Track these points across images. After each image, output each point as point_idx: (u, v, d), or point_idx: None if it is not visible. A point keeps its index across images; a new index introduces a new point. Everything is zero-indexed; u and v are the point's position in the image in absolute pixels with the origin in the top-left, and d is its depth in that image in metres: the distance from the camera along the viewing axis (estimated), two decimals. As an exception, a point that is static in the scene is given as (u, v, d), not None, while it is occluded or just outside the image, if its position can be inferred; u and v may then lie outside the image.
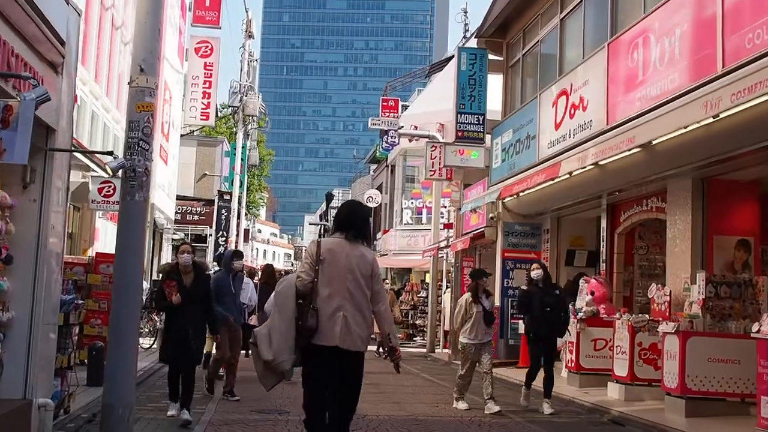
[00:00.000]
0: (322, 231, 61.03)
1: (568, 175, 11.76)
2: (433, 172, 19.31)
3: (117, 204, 13.46)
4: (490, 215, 17.17)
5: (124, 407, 6.61)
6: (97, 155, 12.32)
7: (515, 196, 14.51)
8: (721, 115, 7.92)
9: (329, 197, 58.80)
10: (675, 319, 9.93)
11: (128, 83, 7.29)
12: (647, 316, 11.32)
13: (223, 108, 44.30)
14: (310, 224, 74.91)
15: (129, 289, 7.05)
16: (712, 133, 8.86)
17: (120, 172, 7.31)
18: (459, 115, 17.35)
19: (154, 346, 16.39)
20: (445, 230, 22.24)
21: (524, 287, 11.15)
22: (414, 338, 24.30)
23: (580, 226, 16.47)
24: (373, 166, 43.93)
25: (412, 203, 27.93)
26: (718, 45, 8.73)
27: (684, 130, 8.73)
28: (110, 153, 8.19)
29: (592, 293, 12.93)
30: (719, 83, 8.13)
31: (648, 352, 10.99)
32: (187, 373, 8.35)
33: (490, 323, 10.47)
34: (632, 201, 13.07)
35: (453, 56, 34.56)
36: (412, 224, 27.79)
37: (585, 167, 11.06)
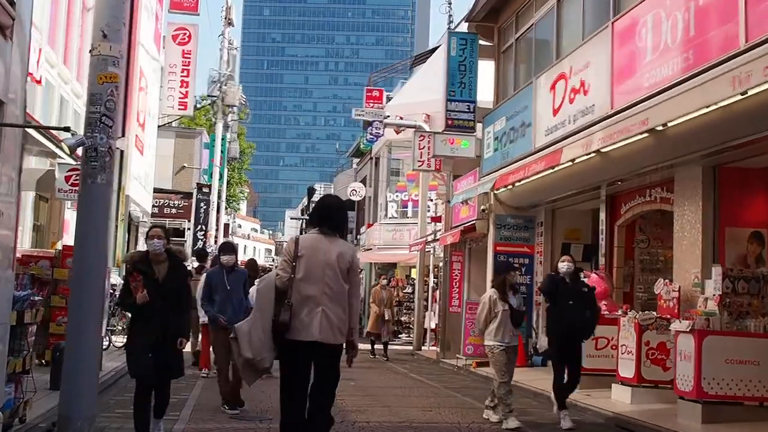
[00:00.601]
0: (303, 226, 60.27)
1: (570, 163, 11.02)
2: (421, 163, 18.54)
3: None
4: (482, 207, 16.42)
5: (84, 420, 5.81)
6: (55, 133, 11.05)
7: (511, 186, 13.76)
8: (750, 92, 7.18)
9: (311, 192, 58.04)
10: (689, 316, 9.21)
11: (89, 51, 6.45)
12: (654, 313, 10.60)
13: (203, 99, 43.39)
14: (291, 219, 74.03)
15: (90, 284, 6.24)
16: (730, 114, 8.14)
17: (80, 152, 6.48)
18: (449, 103, 16.59)
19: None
20: (433, 224, 21.51)
21: (552, 273, 9.85)
22: (399, 335, 23.53)
23: (576, 218, 15.77)
24: (356, 161, 43.13)
25: (397, 196, 27.12)
26: (740, 16, 8.00)
27: (706, 110, 7.99)
28: (67, 129, 7.24)
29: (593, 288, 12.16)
30: (748, 56, 7.41)
31: (656, 351, 10.29)
32: (161, 388, 6.78)
33: (519, 323, 9.36)
34: (634, 191, 12.36)
35: (438, 47, 33.85)
36: (397, 218, 27.00)
37: (589, 154, 10.32)
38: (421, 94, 25.27)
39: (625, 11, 10.81)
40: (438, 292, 20.01)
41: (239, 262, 10.20)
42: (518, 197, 15.50)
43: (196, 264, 18.01)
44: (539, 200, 15.44)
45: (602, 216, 13.30)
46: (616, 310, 11.95)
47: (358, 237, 34.46)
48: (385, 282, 17.65)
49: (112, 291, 15.97)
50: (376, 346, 17.44)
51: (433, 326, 20.18)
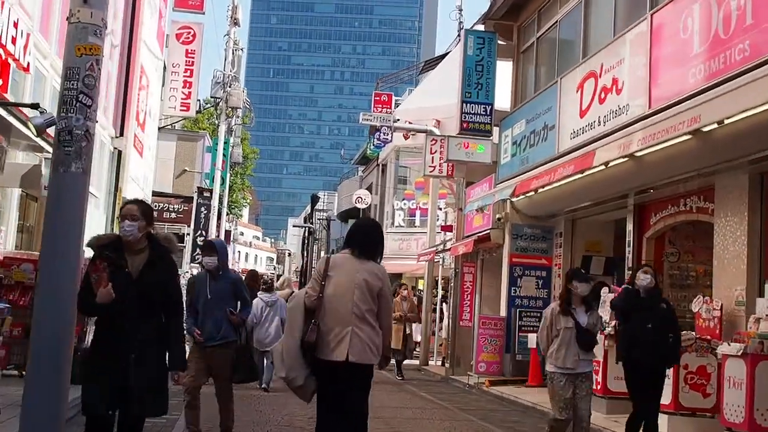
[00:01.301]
0: (306, 234, 59.35)
1: (602, 167, 10.06)
2: (432, 168, 17.60)
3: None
4: (497, 216, 15.51)
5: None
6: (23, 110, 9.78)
7: (533, 192, 12.81)
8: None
9: (314, 199, 57.01)
10: (738, 338, 8.24)
11: (66, 18, 5.50)
12: (693, 333, 9.64)
13: (206, 103, 42.57)
14: (294, 226, 73.07)
15: (60, 290, 5.22)
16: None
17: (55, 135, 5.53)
18: (464, 105, 15.69)
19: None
20: (443, 233, 20.57)
21: (629, 286, 8.25)
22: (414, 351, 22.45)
23: (597, 229, 14.85)
24: (361, 168, 42.22)
25: (404, 204, 26.18)
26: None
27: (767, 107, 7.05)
28: (35, 106, 6.23)
29: (622, 305, 11.20)
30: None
31: (695, 376, 9.30)
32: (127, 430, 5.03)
33: (589, 346, 7.37)
34: (666, 201, 11.42)
35: (448, 53, 33.00)
36: (404, 227, 26.05)
37: (626, 156, 9.37)
38: (432, 99, 24.39)
39: (666, 1, 9.89)
40: (446, 304, 19.05)
41: (239, 271, 9.17)
42: (537, 206, 14.58)
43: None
44: (559, 209, 14.52)
45: (629, 227, 12.35)
46: (647, 328, 10.99)
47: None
48: (405, 292, 16.23)
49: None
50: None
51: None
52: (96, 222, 18.96)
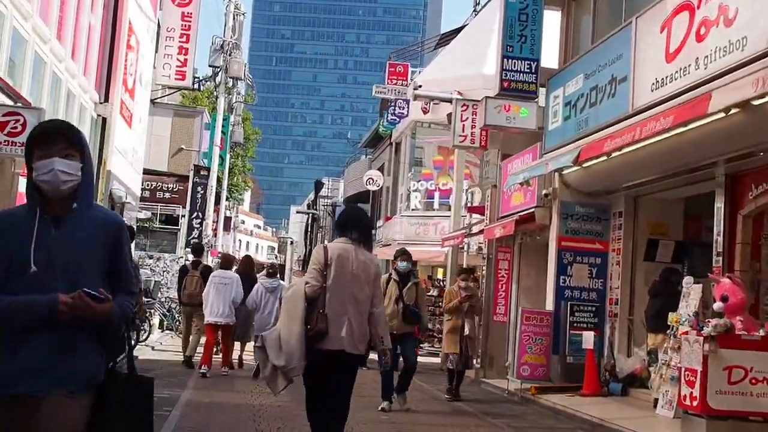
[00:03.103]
0: (309, 221, 57.01)
1: (721, 114, 7.62)
2: (463, 138, 15.18)
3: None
4: (543, 192, 13.10)
5: None
6: None
7: (604, 157, 10.36)
8: None
9: (318, 185, 54.74)
10: None
11: None
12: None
13: (206, 80, 40.10)
14: (297, 212, 70.78)
15: None
16: None
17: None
18: (505, 61, 13.30)
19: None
20: (468, 215, 18.19)
21: None
22: (421, 345, 20.08)
23: (664, 208, 12.51)
24: (369, 152, 39.75)
25: (421, 185, 23.72)
26: None
27: None
28: None
29: (725, 299, 8.78)
30: None
31: None
32: None
33: None
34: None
35: (465, 25, 30.56)
36: (421, 210, 23.61)
37: (764, 96, 6.92)
38: (453, 69, 22.01)
39: None
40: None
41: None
42: (594, 179, 12.18)
43: (191, 258, 16.08)
44: (619, 183, 12.13)
45: (718, 203, 9.93)
46: (756, 329, 8.61)
47: (374, 232, 31.12)
48: (463, 283, 11.39)
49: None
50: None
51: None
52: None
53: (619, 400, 11.35)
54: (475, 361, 13.10)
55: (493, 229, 14.32)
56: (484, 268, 15.33)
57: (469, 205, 18.01)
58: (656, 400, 10.10)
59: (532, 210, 13.31)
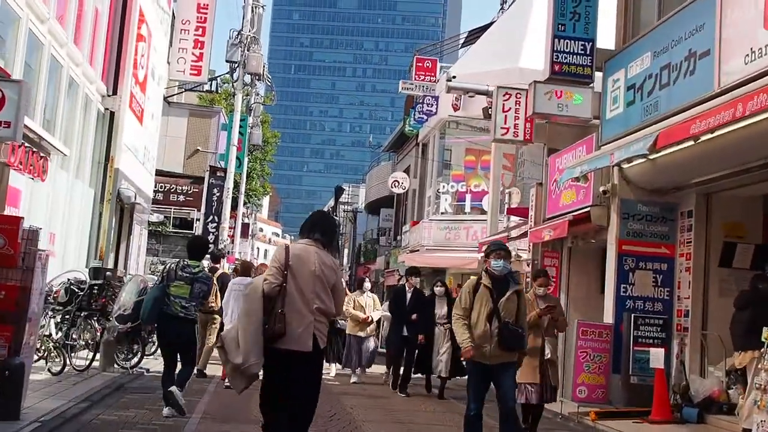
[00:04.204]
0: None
1: None
2: (505, 131, 13.66)
3: (8, 127, 7.88)
4: (601, 189, 11.56)
5: None
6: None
7: (684, 144, 8.80)
8: None
9: (339, 191, 53.34)
10: None
11: None
12: None
13: (224, 83, 38.89)
14: (317, 219, 69.32)
15: None
16: None
17: None
18: (556, 41, 11.84)
19: (95, 364, 11.05)
20: (506, 218, 16.66)
21: None
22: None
23: (741, 206, 10.98)
24: (390, 157, 38.29)
25: (452, 187, 22.18)
26: None
27: None
28: None
29: None
30: None
31: None
32: None
33: None
34: None
35: (493, 22, 29.08)
36: (451, 213, 22.07)
37: None
38: (485, 64, 20.57)
39: None
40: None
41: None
42: (661, 173, 10.66)
43: (206, 264, 14.61)
44: (690, 178, 10.60)
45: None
46: None
47: (399, 237, 29.57)
48: (541, 290, 8.48)
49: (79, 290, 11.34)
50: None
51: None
52: (80, 196, 15.18)
53: (696, 428, 9.78)
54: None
55: (540, 232, 12.78)
56: (528, 275, 13.75)
57: (509, 206, 16.46)
58: (746, 431, 8.52)
59: (587, 209, 11.76)
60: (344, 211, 48.84)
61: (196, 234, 20.64)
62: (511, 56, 20.50)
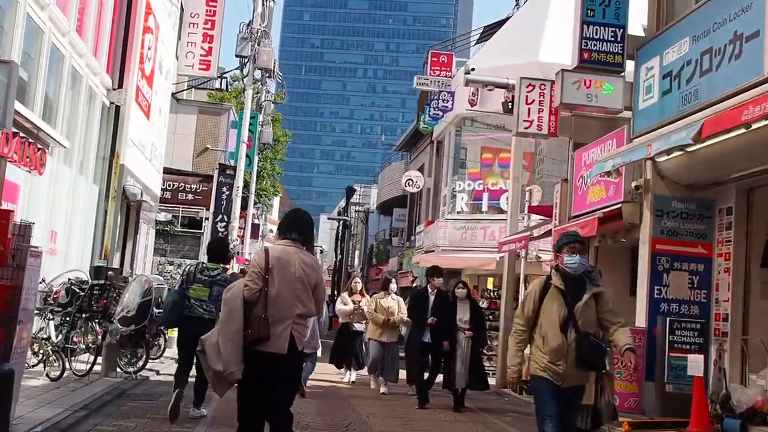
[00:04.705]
0: (341, 228, 54.99)
1: None
2: (528, 124, 12.96)
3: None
4: (633, 184, 10.88)
5: None
6: None
7: (732, 133, 8.11)
8: None
9: (350, 191, 52.75)
10: None
11: None
12: None
13: (234, 80, 38.31)
14: (328, 219, 68.82)
15: None
16: None
17: None
18: (585, 27, 11.16)
19: (97, 368, 10.46)
20: (526, 216, 15.99)
21: None
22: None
23: (783, 203, 10.23)
24: (403, 156, 37.63)
25: (468, 185, 21.48)
26: None
27: None
28: None
29: None
30: None
31: None
32: None
33: None
34: None
35: (509, 18, 28.34)
36: (467, 212, 21.38)
37: None
38: (503, 58, 19.90)
39: None
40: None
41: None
42: (699, 166, 9.98)
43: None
44: (730, 172, 9.92)
45: None
46: None
47: (412, 238, 28.90)
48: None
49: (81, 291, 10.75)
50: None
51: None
52: (83, 193, 14.59)
53: (738, 440, 9.07)
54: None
55: (565, 230, 12.06)
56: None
57: (530, 203, 15.77)
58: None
59: (618, 206, 11.08)
60: (356, 211, 48.19)
61: (218, 236, 19.95)
62: (530, 50, 19.82)
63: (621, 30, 11.18)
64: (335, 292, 41.35)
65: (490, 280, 20.41)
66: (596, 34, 11.11)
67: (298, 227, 5.59)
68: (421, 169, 27.18)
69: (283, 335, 5.29)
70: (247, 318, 5.26)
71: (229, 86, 37.82)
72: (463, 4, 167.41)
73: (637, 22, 11.88)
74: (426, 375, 11.41)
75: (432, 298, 11.32)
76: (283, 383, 5.44)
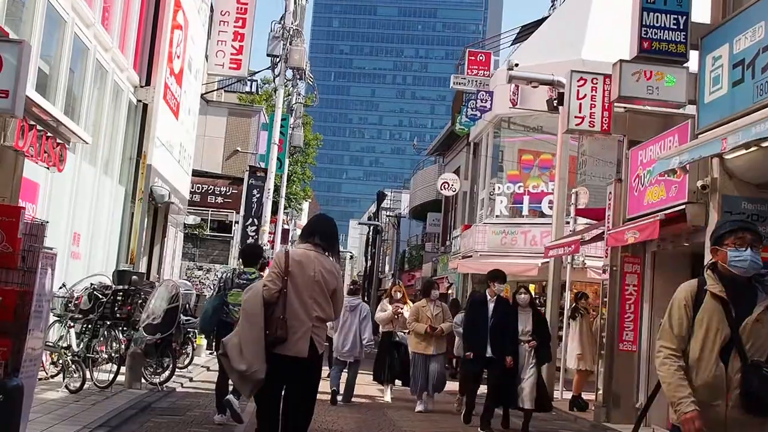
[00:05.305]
0: (371, 233, 54.24)
1: None
2: (580, 120, 12.09)
3: (5, 97, 6.61)
4: (699, 184, 9.97)
5: None
6: None
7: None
8: None
9: (381, 196, 52.05)
10: None
11: None
12: None
13: (264, 83, 37.82)
14: (359, 224, 68.15)
15: None
16: None
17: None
18: (645, 15, 10.30)
19: (120, 379, 9.79)
20: (572, 219, 15.13)
21: None
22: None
23: None
24: (436, 160, 36.82)
25: (508, 188, 20.63)
26: None
27: None
28: None
29: None
30: None
31: None
32: None
33: None
34: None
35: (545, 18, 27.49)
36: (507, 216, 20.53)
37: None
38: (544, 56, 19.10)
39: None
40: (574, 321, 13.56)
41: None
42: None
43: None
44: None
45: None
46: None
47: (447, 242, 28.07)
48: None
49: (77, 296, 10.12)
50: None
51: (573, 366, 13.62)
52: (108, 194, 13.96)
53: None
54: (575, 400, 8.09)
55: (621, 234, 11.20)
56: (606, 283, 12.20)
57: (576, 206, 14.90)
58: None
59: (681, 208, 10.17)
60: (387, 216, 47.42)
61: (251, 243, 19.29)
62: (573, 47, 19.04)
63: (684, 17, 10.32)
64: (364, 298, 40.62)
65: (532, 287, 19.49)
66: (657, 22, 10.25)
67: (319, 232, 5.64)
68: (456, 172, 26.36)
69: (303, 339, 5.31)
70: (266, 318, 5.28)
71: (260, 89, 37.36)
72: (493, 10, 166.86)
73: (701, 8, 11.00)
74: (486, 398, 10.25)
75: (491, 306, 10.02)
76: (304, 386, 5.46)
